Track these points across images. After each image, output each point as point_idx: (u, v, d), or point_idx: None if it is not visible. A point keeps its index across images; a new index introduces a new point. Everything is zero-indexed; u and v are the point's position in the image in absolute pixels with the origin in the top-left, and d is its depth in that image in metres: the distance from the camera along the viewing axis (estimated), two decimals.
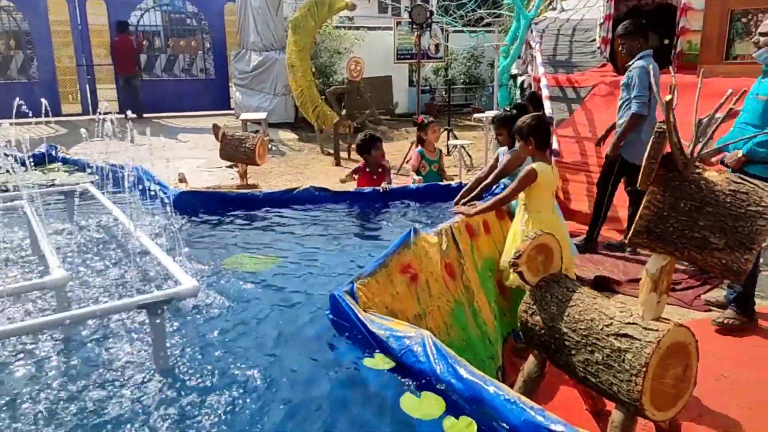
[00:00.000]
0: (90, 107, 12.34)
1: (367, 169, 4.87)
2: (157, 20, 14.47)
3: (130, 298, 1.92)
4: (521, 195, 3.49)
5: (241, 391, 1.91)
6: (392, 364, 2.01)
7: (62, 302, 2.15)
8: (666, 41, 8.46)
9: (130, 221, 2.79)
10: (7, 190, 3.75)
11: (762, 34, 3.71)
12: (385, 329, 2.15)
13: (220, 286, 2.79)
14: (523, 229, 3.38)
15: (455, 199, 3.84)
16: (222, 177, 7.75)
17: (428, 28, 8.73)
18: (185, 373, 2.00)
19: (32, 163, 5.06)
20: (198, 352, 2.15)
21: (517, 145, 3.63)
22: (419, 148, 5.19)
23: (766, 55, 3.69)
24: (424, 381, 1.92)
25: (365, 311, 2.31)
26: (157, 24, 14.94)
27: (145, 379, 1.96)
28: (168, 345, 2.15)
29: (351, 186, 5.00)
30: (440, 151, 5.25)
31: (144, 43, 13.70)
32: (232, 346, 2.23)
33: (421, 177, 5.01)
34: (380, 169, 4.86)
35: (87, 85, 12.46)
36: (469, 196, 3.81)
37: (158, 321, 1.92)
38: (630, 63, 4.90)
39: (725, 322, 3.72)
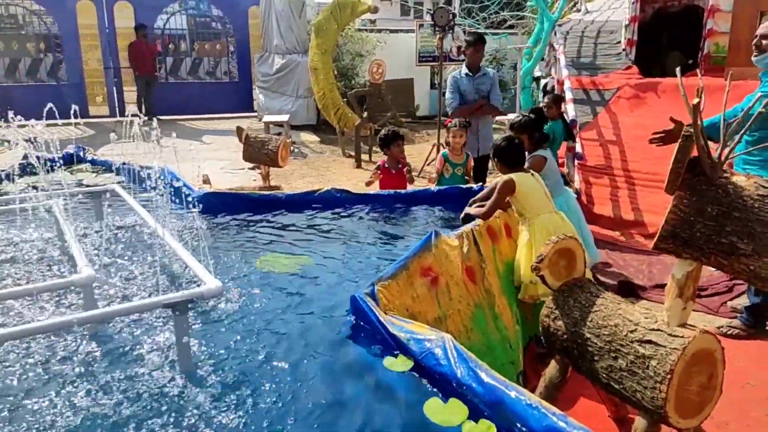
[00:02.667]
0: (117, 109, 12.56)
1: (386, 165, 4.94)
2: (182, 24, 14.71)
3: (155, 297, 1.95)
4: (517, 210, 3.49)
5: (262, 391, 1.93)
6: (410, 365, 2.01)
7: (89, 301, 2.20)
8: (690, 61, 8.28)
9: (155, 221, 2.84)
10: (36, 190, 3.84)
11: (764, 37, 3.51)
12: (405, 332, 2.15)
13: (245, 286, 2.82)
14: (528, 238, 3.36)
15: (469, 202, 3.84)
16: (245, 178, 7.83)
17: (450, 31, 8.70)
18: (208, 373, 2.03)
19: (61, 164, 5.19)
20: (221, 352, 2.18)
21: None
22: (444, 151, 5.22)
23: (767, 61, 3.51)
24: (446, 385, 1.91)
25: (386, 313, 2.31)
26: (183, 27, 15.17)
27: (169, 378, 1.99)
28: (192, 344, 2.18)
29: (373, 188, 5.03)
30: (468, 155, 5.21)
31: (170, 46, 13.89)
32: (255, 346, 2.25)
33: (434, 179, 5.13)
34: (399, 165, 4.93)
35: (114, 88, 12.68)
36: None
37: (182, 320, 1.95)
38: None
39: (728, 332, 3.63)
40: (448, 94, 5.61)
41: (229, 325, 2.43)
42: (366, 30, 13.83)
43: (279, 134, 8.42)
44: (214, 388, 1.94)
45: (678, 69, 2.33)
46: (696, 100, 1.91)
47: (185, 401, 1.88)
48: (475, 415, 1.79)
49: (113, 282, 2.74)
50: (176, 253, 2.40)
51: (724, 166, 2.08)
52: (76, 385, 1.97)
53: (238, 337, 2.31)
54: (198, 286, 2.07)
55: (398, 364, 2.02)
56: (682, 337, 2.04)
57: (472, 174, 5.22)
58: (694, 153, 2.05)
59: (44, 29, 12.75)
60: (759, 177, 2.10)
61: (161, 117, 12.36)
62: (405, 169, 5.02)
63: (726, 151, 2.06)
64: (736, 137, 2.06)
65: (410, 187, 4.88)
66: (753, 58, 3.60)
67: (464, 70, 5.57)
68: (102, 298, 2.54)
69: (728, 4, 7.55)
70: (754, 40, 3.58)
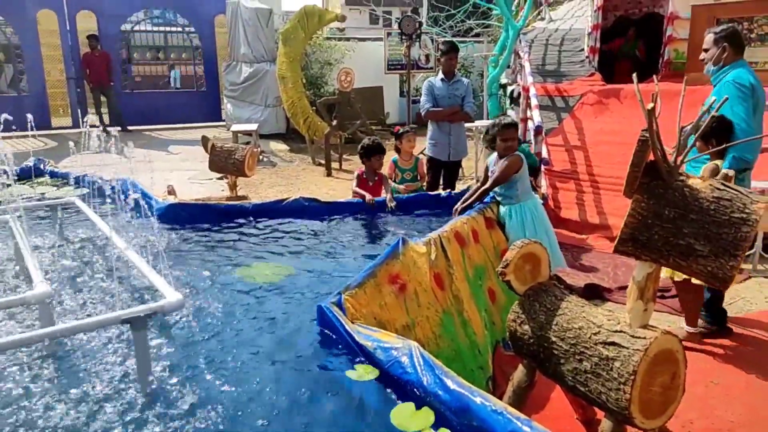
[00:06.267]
0: (80, 120, 12.29)
1: (364, 176, 4.90)
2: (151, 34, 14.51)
3: (113, 312, 1.90)
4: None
5: (224, 406, 1.89)
6: (376, 374, 2.00)
7: (46, 317, 2.13)
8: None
9: (115, 235, 2.77)
10: None
11: (704, 50, 3.77)
12: (372, 340, 2.14)
13: (210, 298, 2.77)
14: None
15: (455, 206, 3.92)
16: (212, 189, 7.73)
17: (418, 39, 8.78)
18: (168, 389, 1.98)
19: (16, 177, 5.04)
20: (184, 367, 2.13)
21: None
22: (394, 157, 5.31)
23: (712, 70, 3.76)
24: (415, 393, 1.90)
25: (353, 322, 2.30)
26: (148, 37, 14.96)
27: (129, 395, 1.93)
28: (154, 360, 2.13)
29: (343, 196, 5.01)
30: (417, 159, 5.35)
31: (126, 55, 13.64)
32: (218, 358, 2.21)
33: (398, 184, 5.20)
34: (376, 177, 4.90)
35: (77, 98, 12.42)
36: (467, 203, 3.91)
37: (142, 335, 1.90)
38: None
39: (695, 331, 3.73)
40: (422, 98, 5.70)
41: (193, 337, 2.38)
42: (334, 38, 13.84)
43: (247, 143, 8.34)
44: (174, 405, 1.90)
45: (635, 75, 2.38)
46: (650, 105, 1.95)
47: (144, 419, 1.83)
48: (443, 423, 1.78)
49: (71, 297, 2.66)
50: (136, 266, 2.34)
51: (680, 170, 2.12)
52: (31, 403, 1.90)
53: (204, 352, 2.26)
54: (159, 299, 2.02)
55: (364, 374, 2.00)
56: (644, 338, 2.07)
57: (426, 175, 5.33)
58: (651, 157, 2.09)
59: (3, 39, 12.43)
60: (714, 179, 2.16)
61: (130, 128, 12.19)
62: (384, 183, 4.95)
63: (682, 154, 2.11)
64: (690, 142, 2.10)
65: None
66: (704, 72, 3.86)
67: (440, 75, 5.69)
68: (60, 314, 2.46)
69: (686, 11, 7.77)
70: (701, 56, 3.83)
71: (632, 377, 2.03)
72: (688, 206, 2.06)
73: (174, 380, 2.03)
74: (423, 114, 5.67)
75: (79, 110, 12.32)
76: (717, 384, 3.20)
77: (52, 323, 2.11)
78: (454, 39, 13.80)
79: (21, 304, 2.11)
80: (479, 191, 3.96)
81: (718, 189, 2.09)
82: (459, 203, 3.96)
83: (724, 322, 3.79)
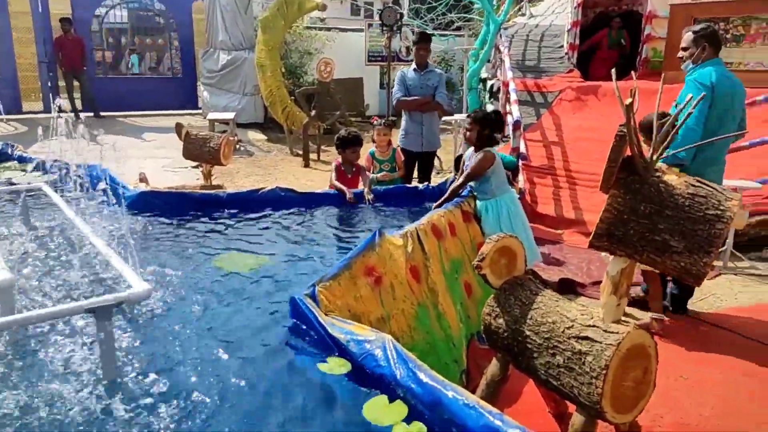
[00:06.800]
0: (52, 105, 11.97)
1: (342, 168, 4.84)
2: (123, 17, 14.18)
3: (77, 302, 1.83)
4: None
5: (190, 400, 1.84)
6: (348, 367, 1.97)
7: (7, 306, 2.05)
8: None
9: (82, 222, 2.69)
10: None
11: (683, 48, 3.89)
12: (345, 333, 2.10)
13: (181, 288, 2.71)
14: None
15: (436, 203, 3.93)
16: (187, 177, 7.60)
17: (398, 31, 8.72)
18: (133, 381, 1.92)
19: None
20: (150, 359, 2.07)
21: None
22: (371, 149, 5.29)
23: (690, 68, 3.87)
24: (388, 386, 1.88)
25: (327, 314, 2.26)
26: (123, 21, 14.63)
27: (92, 389, 1.87)
28: (121, 350, 2.07)
29: (321, 187, 4.95)
30: (394, 150, 5.33)
31: (109, 39, 13.37)
32: (187, 349, 2.15)
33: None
34: (354, 169, 4.85)
35: (49, 83, 12.10)
36: (442, 200, 3.91)
37: (107, 326, 1.84)
38: None
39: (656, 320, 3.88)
40: (394, 88, 5.69)
41: (163, 328, 2.32)
42: (315, 28, 13.70)
43: (224, 132, 8.22)
44: (137, 398, 1.84)
45: (613, 71, 2.38)
46: (629, 101, 1.95)
47: (108, 412, 1.77)
48: (416, 417, 1.76)
49: (35, 286, 2.57)
50: (102, 254, 2.27)
51: (656, 165, 2.13)
52: None
53: (172, 342, 2.21)
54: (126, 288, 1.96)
55: (335, 367, 1.97)
56: (617, 333, 2.07)
57: (403, 167, 5.32)
58: (628, 152, 2.09)
59: None
60: (689, 176, 2.17)
61: (103, 113, 11.92)
62: (362, 174, 4.90)
63: (658, 150, 2.11)
64: (669, 136, 2.11)
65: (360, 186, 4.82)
66: (682, 67, 3.95)
67: (413, 66, 5.67)
68: (26, 302, 2.38)
69: (664, 10, 7.85)
70: (679, 54, 3.95)
71: (604, 372, 2.03)
72: (664, 202, 2.07)
73: (139, 372, 1.97)
74: (394, 103, 5.65)
75: (51, 95, 12.00)
76: (686, 379, 3.24)
77: (12, 312, 2.03)
78: (435, 32, 13.79)
79: None
80: (451, 189, 3.95)
81: (693, 186, 2.10)
82: (437, 203, 3.95)
83: (685, 306, 4.02)
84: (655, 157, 2.08)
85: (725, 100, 3.70)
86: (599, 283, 4.22)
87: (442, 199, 3.93)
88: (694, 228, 2.04)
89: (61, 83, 12.31)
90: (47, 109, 11.92)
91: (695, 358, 3.49)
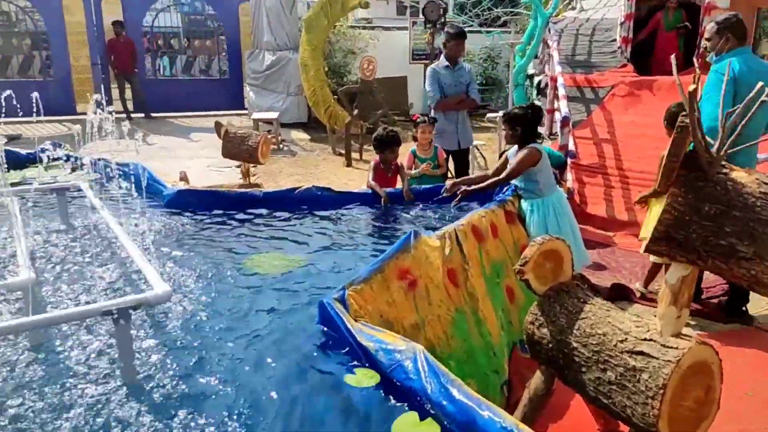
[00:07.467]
0: (105, 106, 12.32)
1: (382, 166, 4.71)
2: (176, 21, 14.50)
3: (96, 303, 1.76)
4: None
5: (212, 407, 1.74)
6: (377, 379, 1.82)
7: (30, 305, 2.01)
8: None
9: (114, 221, 2.65)
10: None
11: (707, 39, 3.93)
12: (375, 341, 1.96)
13: (211, 288, 2.63)
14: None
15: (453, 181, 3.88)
16: (231, 176, 7.62)
17: (442, 27, 8.52)
18: (154, 386, 1.84)
19: (40, 160, 5.02)
20: (172, 362, 1.99)
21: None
22: (413, 147, 5.12)
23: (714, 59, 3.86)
24: (418, 401, 1.73)
25: (356, 320, 2.13)
26: (176, 25, 14.97)
27: (110, 392, 1.80)
28: (142, 353, 2.00)
29: (356, 186, 4.83)
30: (436, 148, 5.12)
31: (160, 42, 13.68)
32: (210, 355, 2.06)
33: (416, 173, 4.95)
34: (393, 167, 4.72)
35: (102, 85, 12.47)
36: (473, 188, 3.74)
37: (124, 328, 1.76)
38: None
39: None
40: (428, 87, 5.50)
41: (187, 330, 2.24)
42: (359, 27, 13.64)
43: (268, 132, 8.22)
44: (158, 403, 1.75)
45: (673, 57, 2.16)
46: (692, 86, 1.73)
47: (125, 416, 1.69)
48: None
49: (59, 286, 2.54)
50: (129, 253, 2.20)
51: (723, 161, 1.90)
52: (8, 397, 1.77)
53: (194, 346, 2.12)
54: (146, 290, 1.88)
55: (363, 379, 1.83)
56: (677, 348, 1.86)
57: (446, 165, 5.17)
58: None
59: (32, 26, 12.54)
60: (761, 173, 1.93)
61: (153, 114, 12.21)
62: (401, 173, 4.75)
63: (726, 144, 1.88)
64: (737, 129, 1.87)
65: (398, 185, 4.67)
66: (708, 59, 3.99)
67: (443, 62, 5.47)
68: (45, 302, 2.34)
69: (725, 1, 7.39)
70: (702, 44, 4.05)
71: (662, 391, 1.82)
72: (731, 202, 1.84)
73: (160, 376, 1.89)
74: (433, 105, 5.47)
75: (104, 96, 12.35)
76: (753, 396, 2.96)
77: (37, 311, 1.98)
78: (482, 29, 13.51)
79: (3, 289, 1.99)
80: (491, 181, 3.73)
81: (766, 183, 1.86)
82: (460, 179, 3.88)
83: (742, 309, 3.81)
84: (722, 152, 1.85)
85: (751, 89, 3.44)
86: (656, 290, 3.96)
87: (477, 186, 3.73)
88: (766, 231, 1.81)
89: (113, 85, 12.68)
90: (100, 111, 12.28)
91: (762, 373, 3.19)
